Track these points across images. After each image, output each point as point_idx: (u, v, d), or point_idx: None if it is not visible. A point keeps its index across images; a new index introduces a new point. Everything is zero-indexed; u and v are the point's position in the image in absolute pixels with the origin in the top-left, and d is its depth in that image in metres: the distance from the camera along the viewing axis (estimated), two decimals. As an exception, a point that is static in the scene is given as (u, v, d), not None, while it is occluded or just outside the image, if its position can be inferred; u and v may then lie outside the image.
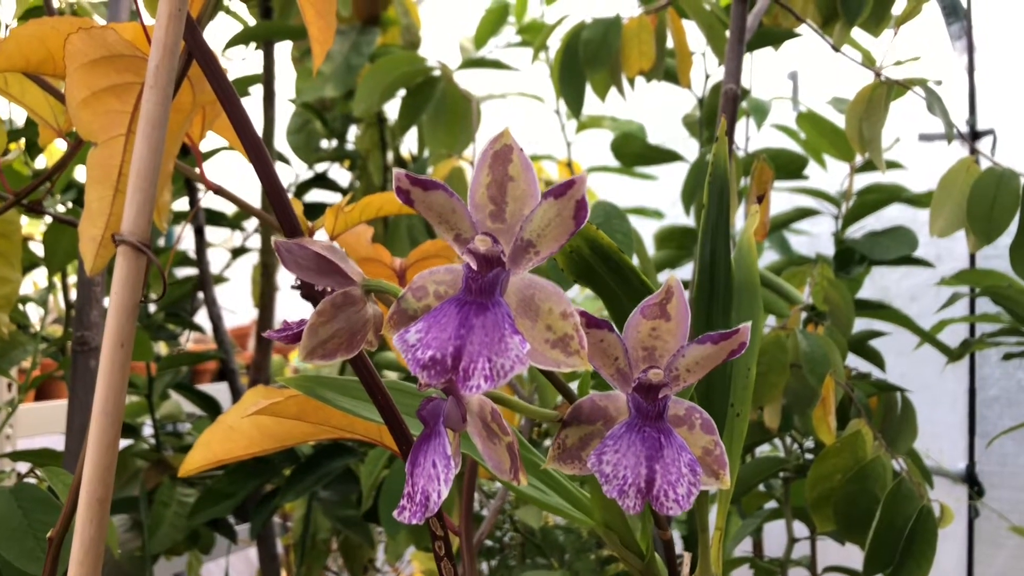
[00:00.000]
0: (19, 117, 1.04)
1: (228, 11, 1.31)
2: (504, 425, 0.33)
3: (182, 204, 1.34)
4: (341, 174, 1.52)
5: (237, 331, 1.84)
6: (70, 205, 1.05)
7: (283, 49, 1.39)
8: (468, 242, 0.30)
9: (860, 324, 1.18)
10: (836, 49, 0.94)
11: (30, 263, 1.08)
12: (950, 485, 1.54)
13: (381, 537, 1.35)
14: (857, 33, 1.01)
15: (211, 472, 1.12)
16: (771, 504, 1.23)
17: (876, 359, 1.22)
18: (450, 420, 0.33)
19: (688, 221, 1.27)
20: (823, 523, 0.94)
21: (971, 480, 1.54)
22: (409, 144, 1.46)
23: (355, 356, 0.41)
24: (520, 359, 0.28)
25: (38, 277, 1.38)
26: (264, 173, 0.39)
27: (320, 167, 1.45)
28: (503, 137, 0.29)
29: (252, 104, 1.30)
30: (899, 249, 1.18)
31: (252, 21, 1.35)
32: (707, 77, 1.26)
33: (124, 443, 1.19)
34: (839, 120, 1.25)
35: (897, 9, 0.98)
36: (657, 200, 1.57)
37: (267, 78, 1.28)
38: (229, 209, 1.39)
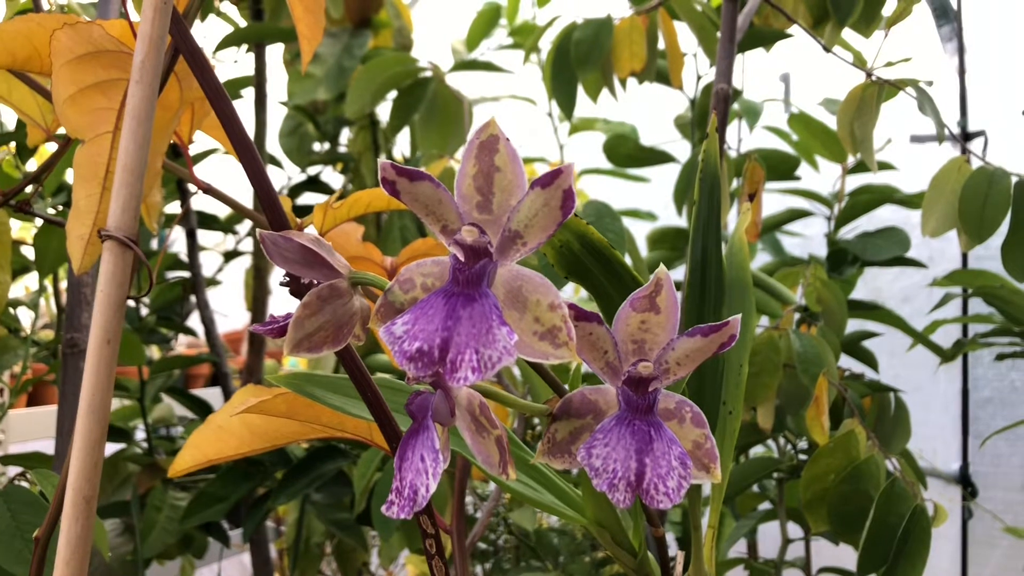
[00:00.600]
0: (9, 120, 1.03)
1: (219, 13, 1.30)
2: (493, 419, 0.33)
3: (175, 208, 1.33)
4: (334, 177, 1.52)
5: (230, 336, 1.84)
6: (61, 208, 1.04)
7: (275, 52, 1.39)
8: (455, 233, 0.30)
9: (853, 325, 1.19)
10: (827, 50, 0.94)
11: (21, 267, 1.07)
12: (944, 486, 1.54)
13: (375, 541, 1.34)
14: (848, 34, 1.01)
15: (203, 476, 1.12)
16: (765, 505, 1.23)
17: (869, 360, 1.22)
18: (438, 414, 0.33)
19: (681, 222, 1.27)
20: (817, 523, 0.94)
21: (965, 481, 1.54)
22: (402, 147, 1.46)
23: (344, 352, 0.41)
24: (508, 351, 0.28)
25: (29, 282, 1.37)
26: (250, 167, 0.39)
27: (313, 170, 1.44)
28: (489, 127, 0.29)
29: (244, 107, 1.30)
30: (891, 250, 1.18)
31: (243, 23, 1.34)
32: (699, 78, 1.26)
33: (117, 447, 1.18)
34: (831, 121, 1.25)
35: (888, 10, 0.98)
36: (650, 202, 1.57)
37: (259, 80, 1.27)
38: (221, 212, 1.39)
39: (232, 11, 1.36)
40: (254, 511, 1.09)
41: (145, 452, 1.18)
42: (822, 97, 1.28)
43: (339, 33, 1.32)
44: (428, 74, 1.22)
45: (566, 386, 0.39)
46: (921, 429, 1.16)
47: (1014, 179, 0.93)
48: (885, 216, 1.32)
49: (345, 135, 1.46)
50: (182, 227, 1.29)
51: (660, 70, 1.18)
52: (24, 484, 0.66)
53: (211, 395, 1.37)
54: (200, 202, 1.42)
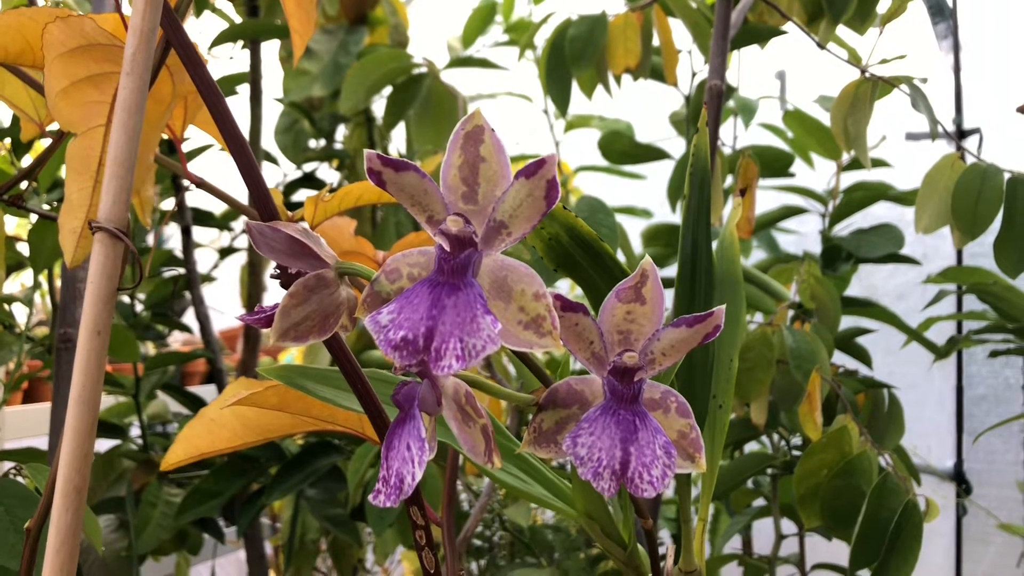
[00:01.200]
0: (4, 117, 1.03)
1: (214, 9, 1.30)
2: (479, 408, 0.33)
3: (170, 205, 1.33)
4: (330, 174, 1.52)
5: (227, 332, 1.84)
6: (56, 204, 1.04)
7: (270, 48, 1.39)
8: (440, 223, 0.30)
9: (847, 322, 1.19)
10: (822, 47, 0.94)
11: (16, 263, 1.07)
12: (938, 483, 1.55)
13: (370, 537, 1.35)
14: (843, 31, 1.01)
15: (198, 472, 1.12)
16: (759, 502, 1.24)
17: (863, 356, 1.22)
18: (425, 403, 0.33)
19: (676, 219, 1.28)
20: (810, 519, 0.94)
21: (959, 478, 1.55)
22: (398, 144, 1.46)
23: (334, 345, 0.41)
24: (492, 339, 0.28)
25: (24, 278, 1.37)
26: (242, 161, 0.39)
27: (309, 167, 1.44)
28: (474, 118, 0.29)
29: (239, 104, 1.30)
30: (886, 247, 1.18)
31: (239, 19, 1.34)
32: (693, 75, 1.26)
33: (111, 443, 1.18)
34: (826, 119, 1.25)
35: (882, 7, 0.98)
36: (645, 200, 1.57)
37: (254, 77, 1.28)
38: (217, 209, 1.39)
39: (228, 7, 1.36)
40: (248, 507, 1.09)
41: (140, 448, 1.18)
42: (817, 94, 1.28)
43: (335, 30, 1.33)
44: (423, 70, 1.23)
45: (553, 377, 0.39)
46: (915, 426, 1.17)
47: (1006, 176, 0.93)
48: (879, 213, 1.32)
49: (341, 132, 1.46)
50: (177, 223, 1.29)
51: (655, 67, 1.18)
52: (19, 479, 0.66)
53: (207, 392, 1.37)
54: (196, 199, 1.42)
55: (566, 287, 1.61)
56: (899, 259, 1.22)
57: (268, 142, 1.38)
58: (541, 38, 1.30)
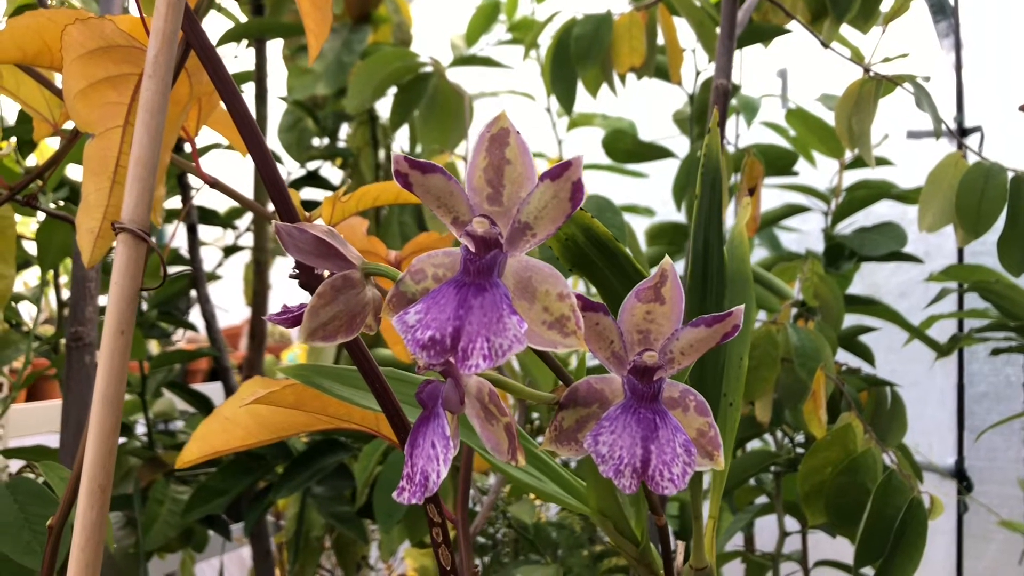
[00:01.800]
0: (10, 115, 1.04)
1: (220, 8, 1.31)
2: (502, 406, 0.33)
3: (175, 203, 1.34)
4: (333, 172, 1.52)
5: (228, 331, 1.84)
6: (62, 203, 1.04)
7: (275, 47, 1.39)
8: (466, 225, 0.31)
9: (850, 320, 1.19)
10: (825, 45, 0.94)
11: (23, 261, 1.08)
12: (939, 480, 1.55)
13: (375, 535, 1.35)
14: (846, 30, 1.02)
15: (205, 469, 1.12)
16: (762, 499, 1.24)
17: (866, 354, 1.22)
18: (448, 402, 0.33)
19: (679, 217, 1.28)
20: (815, 516, 0.95)
21: (960, 475, 1.55)
22: (401, 142, 1.46)
23: (352, 344, 0.42)
24: (518, 339, 0.29)
25: (29, 277, 1.37)
26: (262, 162, 0.40)
27: (312, 165, 1.45)
28: (500, 120, 0.30)
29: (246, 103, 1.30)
30: (888, 245, 1.19)
31: (244, 18, 1.35)
32: (697, 74, 1.26)
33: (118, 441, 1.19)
34: (828, 117, 1.26)
35: (885, 6, 0.99)
36: (648, 198, 1.58)
37: (259, 76, 1.28)
38: (221, 207, 1.39)
39: (233, 6, 1.36)
40: (255, 505, 1.10)
41: (146, 446, 1.19)
42: (819, 93, 1.28)
43: (338, 28, 1.33)
44: (429, 69, 1.23)
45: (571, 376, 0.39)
46: (917, 424, 1.17)
47: (1010, 174, 0.93)
48: (882, 211, 1.33)
49: (344, 130, 1.47)
50: (183, 222, 1.30)
51: (659, 66, 1.18)
52: (31, 476, 0.67)
53: (211, 390, 1.38)
54: (200, 197, 1.42)
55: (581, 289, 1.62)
56: (901, 257, 1.22)
57: (272, 140, 1.39)
58: (545, 37, 1.30)
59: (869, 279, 1.61)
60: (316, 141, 1.44)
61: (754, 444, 1.26)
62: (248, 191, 1.27)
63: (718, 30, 0.85)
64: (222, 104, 0.41)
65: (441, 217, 0.32)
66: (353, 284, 0.34)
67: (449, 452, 0.32)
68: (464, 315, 0.29)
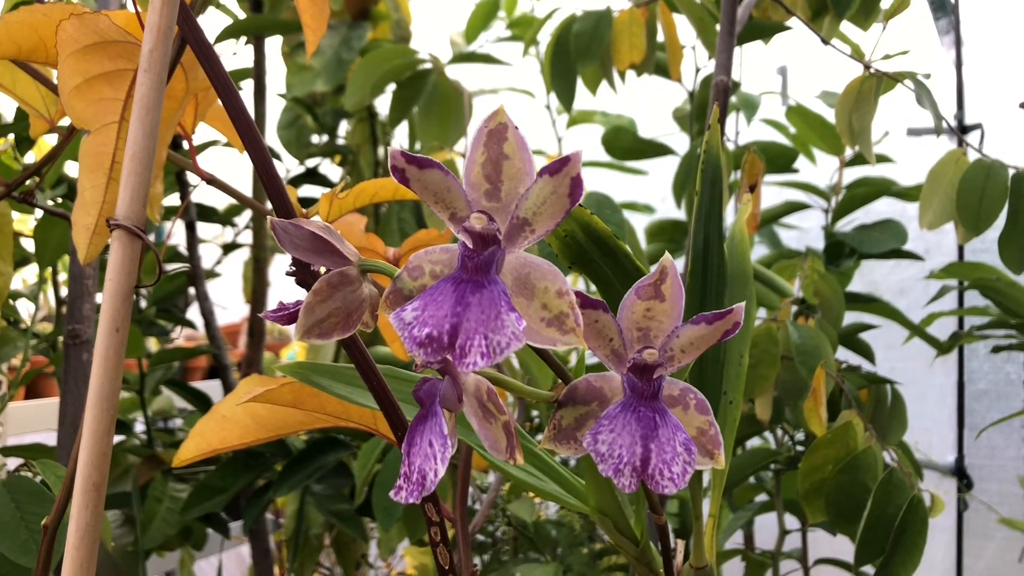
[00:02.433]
0: (7, 112, 1.03)
1: (218, 5, 1.30)
2: (500, 404, 0.33)
3: (173, 200, 1.33)
4: (332, 169, 1.52)
5: (228, 328, 1.84)
6: (60, 200, 1.04)
7: (273, 44, 1.39)
8: (464, 221, 0.31)
9: (850, 317, 1.19)
10: (826, 42, 0.94)
11: (20, 259, 1.07)
12: (939, 478, 1.55)
13: (374, 533, 1.35)
14: (846, 27, 1.01)
15: (203, 467, 1.12)
16: (762, 497, 1.24)
17: (866, 352, 1.22)
18: (446, 400, 0.33)
19: (679, 215, 1.28)
20: (815, 514, 0.94)
21: (960, 473, 1.55)
22: (400, 140, 1.46)
23: (350, 342, 0.41)
24: (516, 336, 0.28)
25: (28, 274, 1.37)
26: (258, 158, 0.39)
27: (311, 162, 1.44)
28: (498, 115, 0.30)
29: (242, 99, 1.30)
30: (888, 242, 1.18)
31: (242, 15, 1.34)
32: (697, 71, 1.26)
33: (117, 439, 1.18)
34: (828, 114, 1.25)
35: (886, 3, 0.98)
36: (648, 195, 1.57)
37: (257, 73, 1.27)
38: (220, 204, 1.39)
39: (231, 3, 1.36)
40: (254, 502, 1.10)
41: (144, 444, 1.18)
42: (820, 90, 1.28)
43: (337, 25, 1.32)
44: (428, 66, 1.23)
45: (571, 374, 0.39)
46: (917, 421, 1.17)
47: (1011, 172, 0.93)
48: (882, 209, 1.32)
49: (343, 127, 1.46)
50: (181, 219, 1.29)
51: (659, 62, 1.18)
52: (28, 475, 0.66)
53: (210, 387, 1.37)
54: (199, 194, 1.42)
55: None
56: (902, 255, 1.22)
57: (271, 137, 1.38)
58: (544, 34, 1.30)
59: (869, 277, 1.61)
60: (315, 138, 1.44)
61: (754, 442, 1.26)
62: (248, 188, 1.26)
63: (718, 27, 0.85)
64: (219, 100, 0.41)
65: (439, 213, 0.31)
66: (350, 281, 0.34)
67: (447, 451, 0.31)
68: (462, 312, 0.29)
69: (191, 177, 1.22)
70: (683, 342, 0.35)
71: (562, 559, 1.21)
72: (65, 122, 0.59)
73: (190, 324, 1.30)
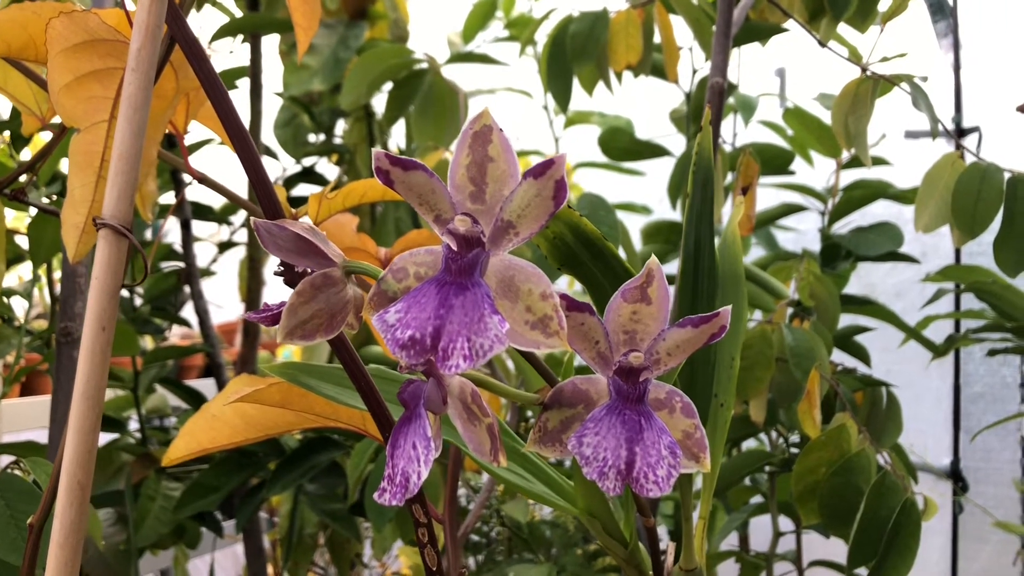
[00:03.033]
0: (3, 110, 1.03)
1: (214, 3, 1.30)
2: (484, 407, 0.33)
3: (169, 198, 1.33)
4: (329, 169, 1.51)
5: (224, 327, 1.84)
6: (55, 197, 1.04)
7: (270, 42, 1.39)
8: (448, 223, 0.30)
9: (846, 320, 1.19)
10: (823, 44, 0.94)
11: (15, 256, 1.07)
12: (935, 481, 1.55)
13: (368, 532, 1.35)
14: (844, 29, 1.01)
15: (197, 466, 1.12)
16: (757, 499, 1.24)
17: (862, 355, 1.22)
18: (431, 402, 0.33)
19: (675, 216, 1.28)
20: (808, 516, 0.94)
21: (955, 476, 1.55)
22: (397, 139, 1.46)
23: (337, 342, 0.41)
24: (499, 339, 0.28)
25: (22, 271, 1.37)
26: (247, 158, 0.39)
27: (308, 161, 1.44)
28: (482, 117, 0.29)
29: (239, 98, 1.30)
30: (885, 245, 1.18)
31: (239, 13, 1.34)
32: (694, 72, 1.26)
33: (110, 437, 1.18)
34: (826, 116, 1.25)
35: (883, 5, 0.98)
36: (644, 196, 1.57)
37: (254, 71, 1.27)
38: (216, 203, 1.39)
39: (228, 1, 1.35)
40: (247, 501, 1.09)
41: (138, 442, 1.18)
42: (817, 92, 1.28)
43: (335, 24, 1.32)
44: (424, 66, 1.22)
45: (558, 377, 0.39)
46: (912, 424, 1.17)
47: (1006, 175, 0.93)
48: (878, 211, 1.32)
49: (340, 127, 1.46)
50: (176, 217, 1.29)
51: (656, 64, 1.18)
52: (18, 473, 0.66)
53: (205, 386, 1.37)
54: (195, 193, 1.42)
55: (563, 284, 1.61)
56: (898, 257, 1.22)
57: (267, 136, 1.38)
58: (541, 34, 1.30)
59: (865, 279, 1.61)
60: (312, 137, 1.44)
61: (748, 444, 1.26)
62: (244, 186, 1.26)
63: (714, 28, 0.85)
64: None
65: (423, 215, 0.31)
66: (334, 282, 0.34)
67: (430, 453, 0.31)
68: (445, 314, 0.29)
69: (186, 175, 1.22)
70: (669, 345, 0.35)
71: (556, 560, 1.21)
72: (57, 120, 0.59)
73: (185, 322, 1.30)
